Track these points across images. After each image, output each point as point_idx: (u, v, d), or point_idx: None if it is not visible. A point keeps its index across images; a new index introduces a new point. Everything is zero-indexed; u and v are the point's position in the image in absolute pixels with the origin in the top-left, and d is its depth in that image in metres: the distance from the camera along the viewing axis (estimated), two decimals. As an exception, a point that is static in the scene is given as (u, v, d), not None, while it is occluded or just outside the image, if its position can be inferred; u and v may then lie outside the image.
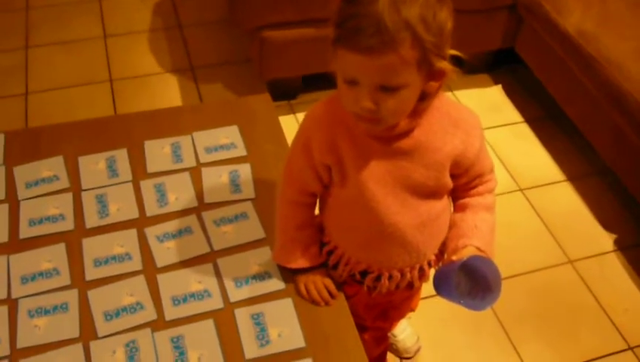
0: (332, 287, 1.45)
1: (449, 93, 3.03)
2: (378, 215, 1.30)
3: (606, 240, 2.49)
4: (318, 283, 1.44)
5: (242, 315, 1.41)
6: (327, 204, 1.40)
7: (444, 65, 1.12)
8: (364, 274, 1.43)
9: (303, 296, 1.45)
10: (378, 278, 1.42)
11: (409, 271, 1.41)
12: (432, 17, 1.05)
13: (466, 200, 1.36)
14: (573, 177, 2.72)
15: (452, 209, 1.40)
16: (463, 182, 1.33)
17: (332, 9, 1.09)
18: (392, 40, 1.03)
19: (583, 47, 2.47)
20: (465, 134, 1.26)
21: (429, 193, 1.30)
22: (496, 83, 3.16)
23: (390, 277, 1.41)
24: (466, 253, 1.26)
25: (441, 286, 1.28)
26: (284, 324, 1.40)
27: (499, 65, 3.20)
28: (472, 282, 1.26)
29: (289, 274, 1.48)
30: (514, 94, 3.10)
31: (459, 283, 1.26)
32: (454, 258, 1.28)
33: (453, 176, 1.30)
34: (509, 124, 2.94)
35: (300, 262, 1.44)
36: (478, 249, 1.28)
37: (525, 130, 2.93)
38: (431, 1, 1.06)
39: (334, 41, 1.09)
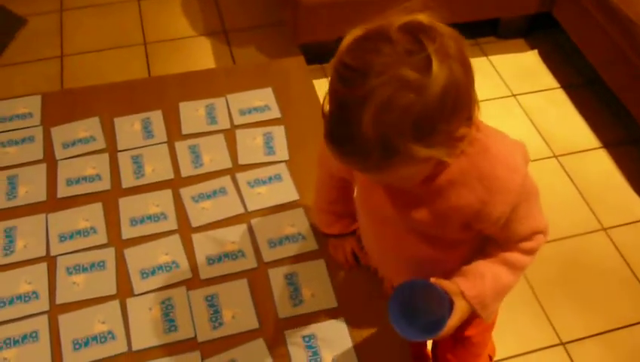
0: (359, 252, 1.44)
1: (483, 59, 3.00)
2: (372, 238, 1.30)
3: (640, 207, 2.46)
4: (347, 248, 1.45)
5: (276, 275, 1.43)
6: None
7: (461, 132, 0.95)
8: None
9: (333, 257, 1.46)
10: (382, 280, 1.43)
11: None
12: (434, 120, 0.88)
13: (493, 246, 1.17)
14: (609, 144, 2.68)
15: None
16: (487, 233, 1.14)
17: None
18: (382, 166, 0.92)
19: (622, 11, 2.42)
20: (487, 193, 1.04)
21: (430, 238, 1.15)
22: (532, 48, 3.10)
23: (393, 287, 1.31)
24: (445, 285, 1.12)
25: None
26: (317, 284, 1.42)
27: (535, 29, 3.15)
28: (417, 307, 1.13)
29: (322, 236, 1.49)
30: (550, 60, 3.05)
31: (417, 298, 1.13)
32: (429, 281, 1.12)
33: (471, 228, 1.12)
34: (545, 90, 2.90)
35: (332, 230, 1.44)
36: (463, 294, 1.13)
37: (561, 96, 2.88)
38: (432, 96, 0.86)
39: (324, 136, 0.95)
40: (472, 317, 1.18)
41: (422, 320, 1.12)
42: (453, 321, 1.10)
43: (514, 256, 1.16)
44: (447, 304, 1.08)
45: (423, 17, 0.90)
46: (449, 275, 1.16)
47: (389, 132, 0.87)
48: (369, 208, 1.22)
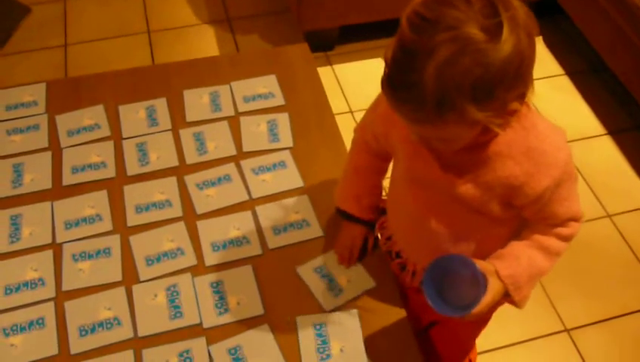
0: (356, 253, 1.43)
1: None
2: (410, 212, 1.26)
3: (646, 194, 2.46)
4: (348, 242, 1.43)
5: (306, 270, 1.43)
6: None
7: (514, 106, 0.98)
8: (398, 255, 1.41)
9: (336, 250, 1.45)
10: (403, 267, 1.39)
11: None
12: (494, 85, 0.91)
13: (529, 230, 1.20)
14: (614, 131, 2.68)
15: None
16: (526, 214, 1.17)
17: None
18: (433, 119, 0.93)
19: (627, -3, 2.42)
20: (533, 166, 1.07)
21: (471, 211, 1.16)
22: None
23: (414, 274, 1.37)
24: (480, 263, 1.12)
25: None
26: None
27: (540, 16, 3.12)
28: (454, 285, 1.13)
29: (326, 223, 1.49)
30: (555, 46, 3.04)
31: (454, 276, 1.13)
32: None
33: (513, 205, 1.15)
34: (550, 77, 2.90)
35: (347, 205, 1.42)
36: (497, 273, 1.15)
37: (566, 82, 2.88)
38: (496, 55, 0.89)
39: (382, 81, 0.98)
40: (499, 303, 1.19)
41: (454, 297, 1.12)
42: (486, 300, 1.10)
43: (550, 241, 1.17)
44: (482, 282, 1.08)
45: None
46: (483, 259, 1.17)
47: (449, 87, 0.89)
48: (413, 174, 1.20)
